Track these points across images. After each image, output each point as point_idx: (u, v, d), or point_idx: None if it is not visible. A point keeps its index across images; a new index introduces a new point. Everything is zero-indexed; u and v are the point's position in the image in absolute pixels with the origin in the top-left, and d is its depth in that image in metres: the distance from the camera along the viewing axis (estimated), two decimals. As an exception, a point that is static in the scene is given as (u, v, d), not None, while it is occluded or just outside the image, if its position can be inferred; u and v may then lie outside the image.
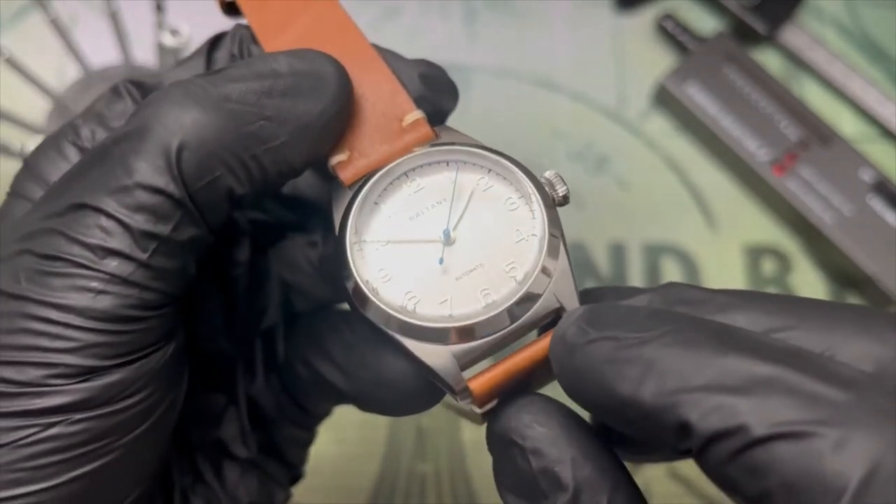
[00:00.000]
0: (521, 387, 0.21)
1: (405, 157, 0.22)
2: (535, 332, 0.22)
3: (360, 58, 0.23)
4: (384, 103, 0.23)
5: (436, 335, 0.20)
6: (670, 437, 0.16)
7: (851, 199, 0.48)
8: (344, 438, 0.43)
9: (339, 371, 0.25)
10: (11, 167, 0.43)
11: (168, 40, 0.44)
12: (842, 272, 0.48)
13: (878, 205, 0.47)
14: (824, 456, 0.14)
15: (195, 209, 0.19)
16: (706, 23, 0.55)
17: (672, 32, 0.53)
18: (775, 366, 0.16)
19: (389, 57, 0.25)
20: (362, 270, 0.21)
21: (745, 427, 0.15)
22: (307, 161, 0.21)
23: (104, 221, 0.19)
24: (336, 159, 0.22)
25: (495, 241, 0.22)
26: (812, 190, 0.48)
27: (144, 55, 0.48)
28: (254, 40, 0.24)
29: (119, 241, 0.19)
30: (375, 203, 0.22)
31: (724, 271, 0.49)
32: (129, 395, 0.19)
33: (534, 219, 0.22)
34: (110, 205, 0.19)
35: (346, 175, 0.22)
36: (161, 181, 0.19)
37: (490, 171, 0.23)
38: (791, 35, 0.54)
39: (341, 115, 0.22)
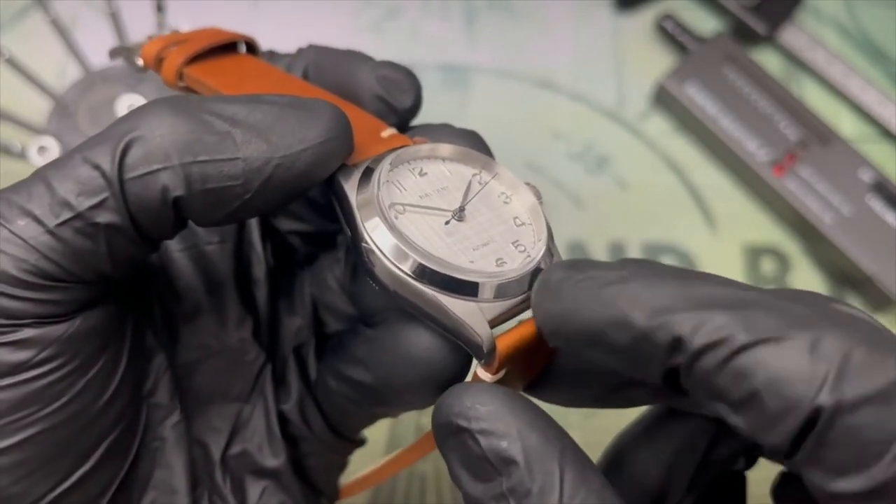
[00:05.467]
0: (533, 356, 0.22)
1: (403, 147, 0.23)
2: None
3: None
4: (360, 125, 0.24)
5: (467, 288, 0.21)
6: (661, 355, 0.18)
7: (851, 199, 0.48)
8: (344, 438, 0.43)
9: (362, 366, 0.24)
10: (12, 167, 0.44)
11: (168, 40, 0.44)
12: (841, 272, 0.48)
13: (877, 205, 0.48)
14: (803, 352, 0.16)
15: (122, 195, 0.19)
16: (706, 23, 0.56)
17: (672, 33, 0.54)
18: (748, 291, 0.18)
19: (357, 58, 0.26)
20: (394, 225, 0.21)
21: (731, 337, 0.17)
22: (268, 189, 0.20)
23: (38, 186, 0.19)
24: None
25: (498, 223, 0.23)
26: (811, 190, 0.48)
27: (145, 55, 0.48)
28: None
29: (38, 204, 0.19)
30: (387, 181, 0.22)
31: (724, 271, 0.49)
32: (37, 364, 0.19)
33: (528, 210, 0.24)
34: (52, 172, 0.19)
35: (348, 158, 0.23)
36: (101, 158, 0.19)
37: (483, 168, 0.24)
38: (790, 35, 0.54)
39: (324, 155, 0.21)
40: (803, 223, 0.48)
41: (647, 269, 0.19)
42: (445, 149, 0.24)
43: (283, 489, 0.26)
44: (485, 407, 0.19)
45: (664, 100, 0.52)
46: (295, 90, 0.25)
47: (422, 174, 0.23)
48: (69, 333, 0.20)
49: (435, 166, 0.24)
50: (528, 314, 0.22)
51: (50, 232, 0.19)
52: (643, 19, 0.56)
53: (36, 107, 0.47)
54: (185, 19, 0.43)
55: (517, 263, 0.22)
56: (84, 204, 0.19)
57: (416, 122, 0.27)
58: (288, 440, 0.27)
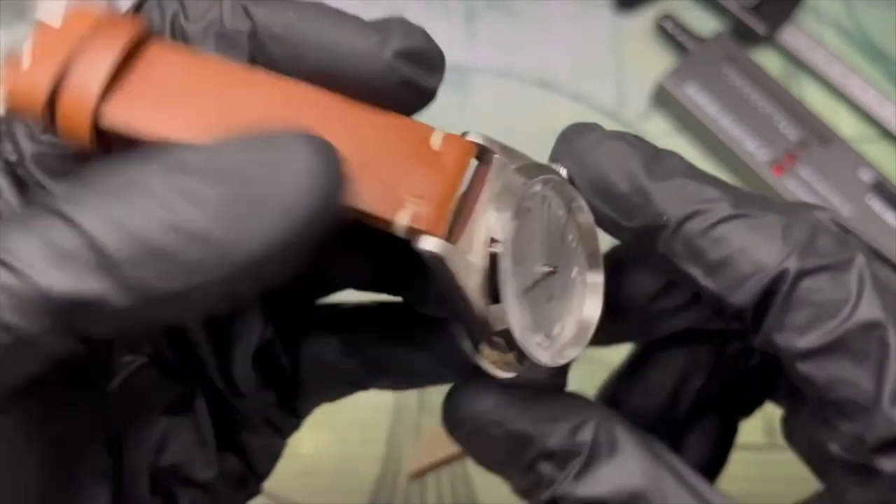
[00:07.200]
0: None
1: (501, 188, 0.18)
2: None
3: (330, 113, 0.17)
4: (394, 138, 0.17)
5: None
6: (651, 212, 0.20)
7: (851, 199, 0.48)
8: (344, 439, 0.43)
9: (403, 365, 0.24)
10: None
11: (168, 41, 0.44)
12: (841, 272, 0.48)
13: (877, 205, 0.48)
14: (776, 229, 0.19)
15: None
16: (705, 23, 0.55)
17: (671, 33, 0.54)
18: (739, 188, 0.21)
19: (348, 25, 0.20)
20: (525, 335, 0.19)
21: (717, 208, 0.19)
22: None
23: None
24: (403, 221, 0.16)
25: (559, 256, 0.22)
26: (811, 190, 0.48)
27: (144, 56, 0.48)
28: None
29: None
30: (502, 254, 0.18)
31: (724, 271, 0.49)
32: None
33: (574, 220, 0.22)
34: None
35: (435, 227, 0.17)
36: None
37: (542, 181, 0.20)
38: (790, 35, 0.54)
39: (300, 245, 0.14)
40: (803, 223, 0.48)
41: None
42: (521, 170, 0.19)
43: (213, 500, 0.25)
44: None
45: (664, 100, 0.52)
46: (267, 103, 0.18)
47: (514, 217, 0.18)
48: None
49: (538, 208, 0.20)
50: None
51: None
52: (643, 19, 0.56)
53: (36, 107, 0.47)
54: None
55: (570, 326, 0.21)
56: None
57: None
58: (233, 426, 0.26)
